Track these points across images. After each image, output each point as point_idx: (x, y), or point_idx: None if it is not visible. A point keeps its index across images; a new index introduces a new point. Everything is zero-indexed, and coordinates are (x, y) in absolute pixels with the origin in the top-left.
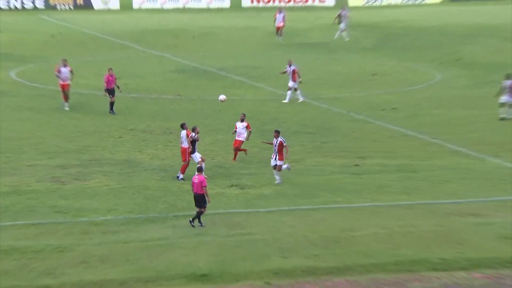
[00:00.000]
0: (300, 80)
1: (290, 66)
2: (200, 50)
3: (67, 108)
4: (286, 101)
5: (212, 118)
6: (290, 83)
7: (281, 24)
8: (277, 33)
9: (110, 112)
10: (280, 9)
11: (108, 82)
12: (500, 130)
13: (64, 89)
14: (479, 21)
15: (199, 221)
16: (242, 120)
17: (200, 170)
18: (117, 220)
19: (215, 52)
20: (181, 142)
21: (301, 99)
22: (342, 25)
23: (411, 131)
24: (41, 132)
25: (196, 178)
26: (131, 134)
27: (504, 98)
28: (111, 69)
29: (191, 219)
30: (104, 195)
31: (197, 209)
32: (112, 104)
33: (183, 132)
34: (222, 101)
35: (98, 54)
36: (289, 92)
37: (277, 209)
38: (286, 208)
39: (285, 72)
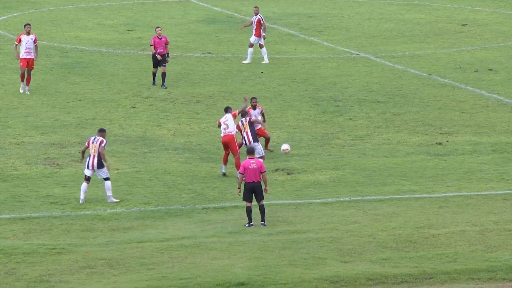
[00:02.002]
0: (264, 35)
1: (256, 15)
2: None
3: (27, 92)
4: (246, 61)
5: (252, 83)
6: (252, 38)
7: None
8: None
9: (153, 85)
10: None
11: (155, 46)
12: None
13: (28, 66)
14: None
15: (263, 219)
16: (254, 108)
17: (252, 152)
18: (129, 214)
19: None
20: (225, 128)
21: (265, 60)
22: None
23: None
24: (30, 101)
25: (253, 162)
26: (147, 103)
27: None
28: (159, 28)
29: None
30: (112, 181)
31: (248, 204)
32: (154, 75)
33: (229, 116)
34: (285, 151)
35: None
36: (250, 50)
37: (335, 200)
38: (347, 198)
39: (250, 25)
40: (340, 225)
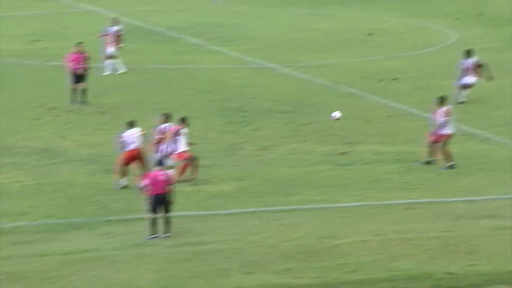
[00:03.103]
0: (121, 45)
1: (114, 26)
2: (143, 2)
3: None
4: (108, 72)
5: (158, 93)
6: (110, 49)
7: None
8: None
9: (70, 103)
10: None
11: (74, 62)
12: None
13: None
14: None
15: (168, 231)
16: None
17: (161, 163)
18: (32, 227)
19: (163, 5)
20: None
21: (122, 69)
22: None
23: (416, 109)
24: None
25: (162, 174)
26: (52, 114)
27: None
28: (80, 44)
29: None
30: (15, 194)
31: (153, 215)
32: (76, 92)
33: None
34: (336, 118)
35: (8, 9)
36: (108, 62)
37: (239, 211)
38: (251, 209)
39: (106, 35)
40: (244, 236)
